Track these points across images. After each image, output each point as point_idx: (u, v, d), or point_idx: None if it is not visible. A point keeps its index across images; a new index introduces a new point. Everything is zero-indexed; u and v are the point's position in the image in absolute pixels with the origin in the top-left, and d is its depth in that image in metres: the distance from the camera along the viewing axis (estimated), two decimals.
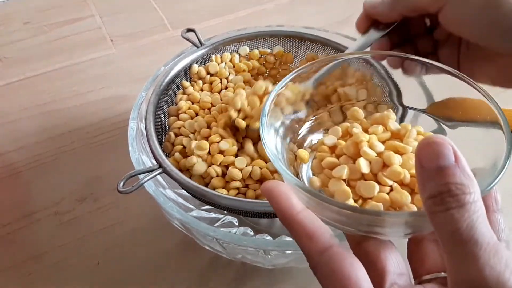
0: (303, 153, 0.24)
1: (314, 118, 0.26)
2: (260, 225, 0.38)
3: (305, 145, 0.26)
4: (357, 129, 0.23)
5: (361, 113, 0.25)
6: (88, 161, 0.45)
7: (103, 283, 0.36)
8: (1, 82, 0.54)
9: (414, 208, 0.20)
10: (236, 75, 0.41)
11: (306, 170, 0.24)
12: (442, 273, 0.20)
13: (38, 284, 0.36)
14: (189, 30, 0.41)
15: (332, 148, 0.23)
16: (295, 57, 0.44)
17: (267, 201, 0.30)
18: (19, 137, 0.47)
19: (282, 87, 0.23)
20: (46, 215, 0.40)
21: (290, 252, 0.30)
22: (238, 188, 0.33)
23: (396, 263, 0.20)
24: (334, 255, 0.18)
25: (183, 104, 0.38)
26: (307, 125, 0.26)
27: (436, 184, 0.16)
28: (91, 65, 0.56)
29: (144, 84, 0.39)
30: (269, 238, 0.34)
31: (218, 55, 0.42)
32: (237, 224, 0.36)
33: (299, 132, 0.26)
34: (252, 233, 0.35)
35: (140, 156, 0.34)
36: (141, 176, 0.31)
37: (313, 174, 0.23)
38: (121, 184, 0.30)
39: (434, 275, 0.20)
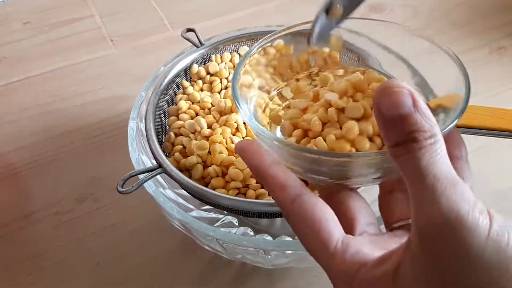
0: (275, 116, 0.25)
1: (287, 82, 0.27)
2: (260, 225, 0.38)
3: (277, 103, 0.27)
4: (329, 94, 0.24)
5: (330, 77, 0.26)
6: (88, 161, 0.45)
7: (103, 283, 0.36)
8: (1, 82, 0.54)
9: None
10: None
11: (279, 133, 0.25)
12: (410, 220, 0.20)
13: (38, 284, 0.36)
14: (189, 30, 0.41)
15: (303, 110, 0.24)
16: (295, 51, 0.43)
17: (267, 201, 0.31)
18: (19, 137, 0.47)
19: (253, 53, 0.25)
20: (46, 215, 0.40)
21: (290, 252, 0.30)
22: (238, 188, 0.33)
23: (365, 213, 0.21)
24: (304, 202, 0.19)
25: (183, 104, 0.38)
26: (282, 88, 0.27)
27: (399, 133, 0.16)
28: (91, 65, 0.56)
29: (144, 84, 0.39)
30: (269, 238, 0.34)
31: (218, 55, 0.42)
32: (237, 224, 0.36)
33: (272, 97, 0.27)
34: (252, 233, 0.35)
35: (140, 156, 0.34)
36: (141, 176, 0.31)
37: (283, 134, 0.24)
38: (121, 184, 0.30)
39: (403, 223, 0.21)
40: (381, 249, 0.19)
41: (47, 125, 0.48)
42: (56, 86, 0.53)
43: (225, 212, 0.36)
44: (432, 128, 0.16)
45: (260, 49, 0.25)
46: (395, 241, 0.20)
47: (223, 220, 0.36)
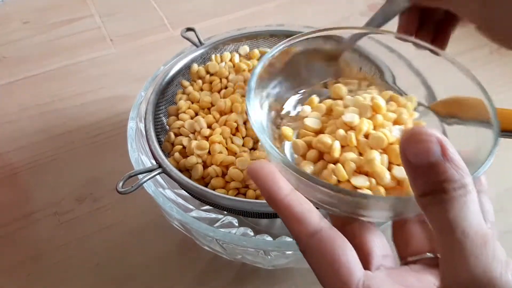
0: (287, 130, 0.23)
1: (302, 91, 0.26)
2: (260, 226, 0.37)
3: (289, 115, 0.25)
4: (350, 115, 0.22)
5: (344, 90, 0.25)
6: (87, 161, 0.45)
7: (103, 283, 0.36)
8: (1, 82, 0.54)
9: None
10: (236, 74, 0.41)
11: (290, 147, 0.23)
12: (428, 253, 0.20)
13: (38, 284, 0.36)
14: (189, 29, 0.41)
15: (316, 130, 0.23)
16: None
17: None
18: (18, 137, 0.47)
19: (274, 55, 0.23)
20: (46, 215, 0.40)
21: (290, 252, 0.29)
22: (238, 188, 0.33)
23: (381, 245, 0.20)
24: (323, 238, 0.18)
25: (183, 103, 0.38)
26: (294, 98, 0.26)
27: (427, 183, 0.16)
28: (90, 65, 0.56)
29: (144, 84, 0.39)
30: (269, 238, 0.34)
31: (218, 55, 0.42)
32: (237, 224, 0.36)
33: (284, 106, 0.25)
34: (252, 234, 0.35)
35: (140, 156, 0.34)
36: (140, 176, 0.31)
37: (295, 153, 0.23)
38: (120, 184, 0.30)
39: (419, 257, 0.20)
40: (402, 286, 0.18)
41: (47, 125, 0.48)
42: (55, 86, 0.53)
43: (225, 212, 0.36)
44: (463, 177, 0.15)
45: (279, 52, 0.23)
46: (413, 277, 0.19)
47: (223, 221, 0.36)
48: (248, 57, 0.43)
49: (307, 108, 0.24)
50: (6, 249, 0.38)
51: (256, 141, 0.36)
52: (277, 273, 0.36)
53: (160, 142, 0.36)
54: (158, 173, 0.32)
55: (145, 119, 0.36)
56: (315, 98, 0.25)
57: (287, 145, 0.23)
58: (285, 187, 0.19)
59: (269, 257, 0.30)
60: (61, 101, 0.51)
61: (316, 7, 0.64)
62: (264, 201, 0.31)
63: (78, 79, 0.54)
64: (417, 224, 0.21)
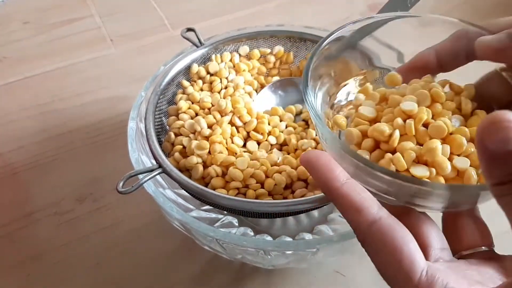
0: (340, 119, 0.23)
1: (355, 80, 0.25)
2: (260, 225, 0.37)
3: (341, 104, 0.25)
4: (408, 103, 0.21)
5: (399, 78, 0.24)
6: (88, 161, 0.45)
7: (103, 283, 0.36)
8: (1, 82, 0.54)
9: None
10: (236, 75, 0.41)
11: (342, 137, 0.23)
12: (483, 247, 0.20)
13: (38, 284, 0.36)
14: (189, 29, 0.41)
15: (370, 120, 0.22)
16: (295, 57, 0.43)
17: (267, 201, 0.31)
18: (18, 137, 0.47)
19: (323, 47, 0.23)
20: (46, 215, 0.40)
21: (290, 252, 0.29)
22: (238, 188, 0.33)
23: (438, 238, 0.19)
24: (383, 227, 0.17)
25: (183, 104, 0.38)
26: (345, 89, 0.25)
27: (504, 172, 0.15)
28: (91, 65, 0.56)
29: (144, 84, 0.39)
30: (269, 238, 0.34)
31: (218, 55, 0.42)
32: (237, 224, 0.36)
33: (337, 96, 0.25)
34: (252, 234, 0.35)
35: (140, 156, 0.34)
36: (140, 176, 0.31)
37: (349, 142, 0.22)
38: (121, 184, 0.30)
39: (474, 250, 0.20)
40: (465, 279, 0.17)
41: (47, 125, 0.48)
42: (56, 86, 0.53)
43: (225, 212, 0.36)
44: None
45: (331, 41, 0.23)
46: (473, 270, 0.18)
47: (223, 220, 0.36)
48: (248, 57, 0.43)
49: (360, 96, 0.24)
50: (6, 249, 0.38)
51: (259, 142, 0.36)
52: (277, 273, 0.36)
53: (160, 142, 0.36)
54: (158, 173, 0.32)
55: (145, 119, 0.36)
56: (369, 86, 0.24)
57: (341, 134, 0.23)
58: (342, 175, 0.19)
59: (269, 257, 0.30)
60: (61, 101, 0.51)
61: (316, 7, 0.64)
62: (264, 201, 0.31)
63: (78, 79, 0.54)
64: (469, 218, 0.20)
